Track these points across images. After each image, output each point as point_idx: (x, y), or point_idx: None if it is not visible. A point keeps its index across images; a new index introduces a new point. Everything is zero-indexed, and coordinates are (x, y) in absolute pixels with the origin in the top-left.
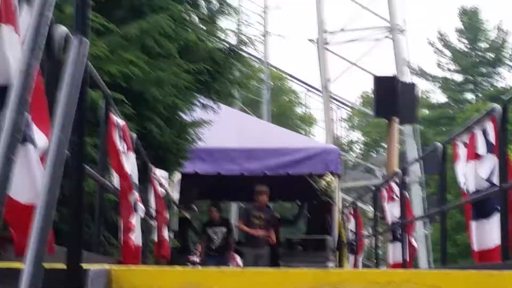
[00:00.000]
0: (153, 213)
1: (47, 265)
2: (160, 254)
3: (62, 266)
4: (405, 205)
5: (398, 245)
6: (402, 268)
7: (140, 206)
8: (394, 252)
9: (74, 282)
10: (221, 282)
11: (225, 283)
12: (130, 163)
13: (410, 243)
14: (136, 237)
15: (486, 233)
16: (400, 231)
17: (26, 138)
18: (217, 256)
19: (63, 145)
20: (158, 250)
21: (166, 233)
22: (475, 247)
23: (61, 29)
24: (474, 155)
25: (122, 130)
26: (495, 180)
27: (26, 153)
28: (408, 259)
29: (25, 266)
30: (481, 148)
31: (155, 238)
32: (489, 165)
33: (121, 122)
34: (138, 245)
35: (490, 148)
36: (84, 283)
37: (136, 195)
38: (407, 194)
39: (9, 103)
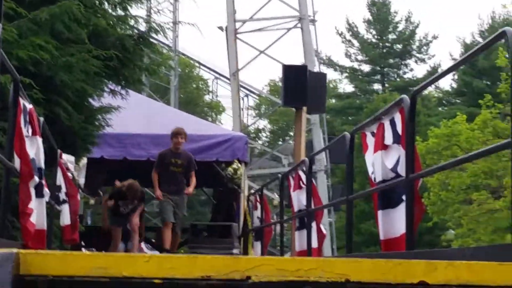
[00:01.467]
0: (63, 197)
1: None
2: (73, 237)
3: None
4: (313, 193)
5: (304, 232)
6: (307, 255)
7: (46, 190)
8: (300, 239)
9: None
10: (129, 267)
11: (133, 268)
12: (34, 147)
13: (319, 230)
14: (38, 221)
15: (392, 222)
16: (308, 218)
17: None
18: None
19: None
20: (71, 233)
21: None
22: (381, 235)
23: None
24: (381, 145)
25: (29, 114)
26: (400, 170)
27: None
28: (317, 246)
29: None
30: (388, 138)
31: (66, 222)
32: (395, 156)
33: (28, 106)
34: (42, 229)
35: (397, 138)
36: None
37: (37, 179)
38: (314, 181)
39: None
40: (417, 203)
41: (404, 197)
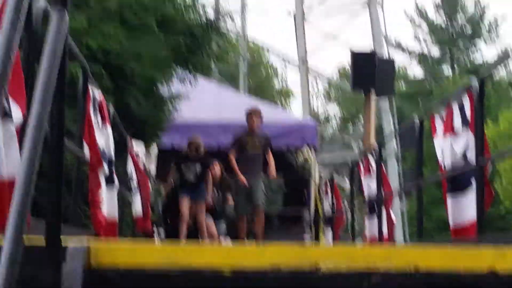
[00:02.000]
0: (134, 185)
1: (26, 242)
2: (145, 225)
3: (41, 241)
4: (382, 178)
5: (375, 219)
6: (378, 242)
7: (116, 179)
8: (371, 226)
9: (53, 257)
10: (199, 258)
11: (203, 259)
12: (104, 136)
13: (389, 216)
14: (109, 210)
15: (462, 208)
16: (377, 205)
17: (7, 113)
18: (191, 187)
19: (42, 119)
20: (143, 222)
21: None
22: (451, 222)
23: (40, 2)
24: (450, 129)
25: (99, 103)
26: (470, 155)
27: (7, 128)
28: (387, 233)
29: (5, 243)
30: (457, 123)
31: (137, 211)
32: (463, 140)
33: (98, 95)
34: (113, 218)
35: (465, 123)
36: (63, 257)
37: (106, 168)
38: (384, 168)
39: None
40: (487, 188)
41: (473, 181)
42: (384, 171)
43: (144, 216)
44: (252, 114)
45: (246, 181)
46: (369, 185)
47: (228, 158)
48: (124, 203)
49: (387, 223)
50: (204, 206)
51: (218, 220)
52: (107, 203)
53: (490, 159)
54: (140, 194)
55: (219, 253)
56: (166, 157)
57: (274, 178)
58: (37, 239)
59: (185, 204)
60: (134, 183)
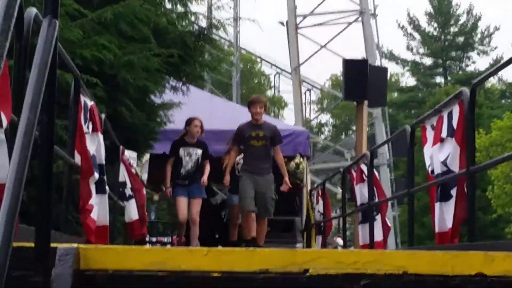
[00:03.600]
0: (129, 192)
1: (15, 244)
2: (141, 231)
3: (30, 245)
4: (376, 185)
5: (368, 226)
6: (370, 249)
7: (106, 186)
8: (363, 233)
9: (42, 261)
10: (187, 261)
11: (191, 262)
12: (94, 144)
13: (384, 222)
14: (99, 217)
15: (444, 216)
16: (370, 212)
17: None
18: (186, 185)
19: (32, 126)
20: (140, 228)
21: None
22: (437, 228)
23: (31, 11)
24: (439, 138)
25: (90, 111)
26: (450, 163)
27: None
28: (383, 238)
29: None
30: (444, 131)
31: (133, 217)
32: (447, 149)
33: (89, 102)
34: (104, 225)
35: (451, 132)
36: (52, 262)
37: (97, 176)
38: (377, 175)
39: None
40: (461, 201)
41: (453, 193)
42: (377, 177)
43: (141, 221)
44: (256, 102)
45: (252, 180)
46: (362, 192)
47: (222, 159)
48: (115, 210)
49: (383, 229)
50: (200, 204)
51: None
52: (98, 210)
53: (482, 166)
54: (136, 200)
55: (208, 255)
56: (158, 163)
57: (287, 184)
58: (27, 244)
59: (182, 207)
60: (129, 189)
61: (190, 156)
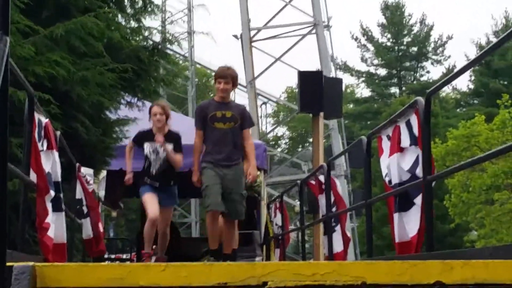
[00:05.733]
0: (84, 210)
1: None
2: (97, 248)
3: None
4: (335, 196)
5: (330, 237)
6: (329, 260)
7: (62, 203)
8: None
9: None
10: (145, 277)
11: (149, 278)
12: (50, 162)
13: (344, 233)
14: (56, 235)
15: (405, 225)
16: (328, 223)
17: None
18: (158, 186)
19: None
20: (95, 245)
21: (101, 228)
22: (397, 238)
23: None
24: (397, 148)
25: (45, 128)
26: (418, 171)
27: None
28: (343, 248)
29: None
30: (405, 140)
31: (89, 235)
32: (412, 157)
33: (44, 120)
34: (61, 243)
35: (414, 140)
36: (9, 281)
37: (53, 193)
38: (338, 185)
39: None
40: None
41: (416, 201)
42: (337, 189)
43: (96, 239)
44: (221, 77)
45: (218, 173)
46: (322, 203)
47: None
48: (73, 228)
49: (343, 239)
50: (171, 214)
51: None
52: (55, 228)
53: (438, 175)
54: (90, 218)
55: (166, 271)
56: (115, 178)
57: (253, 175)
58: None
59: (152, 202)
60: (85, 207)
61: (157, 154)
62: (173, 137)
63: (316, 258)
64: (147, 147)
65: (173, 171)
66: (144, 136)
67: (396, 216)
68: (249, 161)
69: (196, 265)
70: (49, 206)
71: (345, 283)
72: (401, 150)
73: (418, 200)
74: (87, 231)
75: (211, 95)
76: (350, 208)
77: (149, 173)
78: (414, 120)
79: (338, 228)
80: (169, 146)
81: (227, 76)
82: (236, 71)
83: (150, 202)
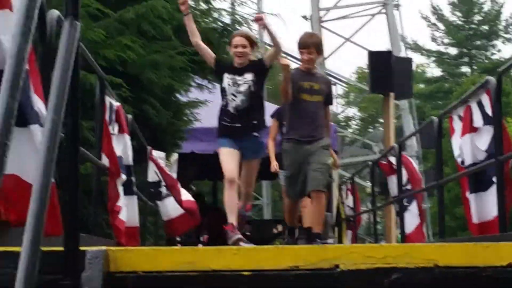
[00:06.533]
0: (163, 191)
1: (44, 248)
2: (190, 224)
3: (60, 248)
4: (411, 174)
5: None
6: (403, 239)
7: (134, 186)
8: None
9: (71, 264)
10: (217, 260)
11: (221, 261)
12: (121, 145)
13: (420, 211)
14: (129, 218)
15: (484, 206)
16: (400, 203)
17: (29, 121)
18: (237, 133)
19: (56, 127)
20: (189, 220)
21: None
22: (475, 219)
23: (53, 13)
24: (470, 128)
25: (116, 112)
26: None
27: (31, 134)
28: (419, 222)
29: (23, 249)
30: (478, 120)
31: (173, 214)
32: (488, 137)
33: (115, 104)
34: (134, 226)
35: (487, 120)
36: (82, 265)
37: (124, 177)
38: (414, 164)
39: (2, 88)
40: (508, 186)
41: (494, 180)
42: (414, 167)
43: (189, 213)
44: (303, 46)
45: (302, 147)
46: (393, 185)
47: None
48: (145, 212)
49: (419, 216)
50: (257, 170)
51: None
52: (127, 211)
53: (510, 156)
54: (174, 196)
55: (238, 254)
56: (186, 161)
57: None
58: (57, 248)
59: (229, 158)
60: (163, 188)
61: (238, 86)
62: (256, 67)
63: (388, 240)
64: (226, 78)
65: (260, 110)
66: (227, 66)
67: (472, 196)
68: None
69: (268, 248)
70: (120, 189)
71: (417, 266)
72: (475, 130)
73: (495, 179)
74: (167, 212)
75: (280, 76)
76: (422, 189)
77: (227, 113)
78: (486, 100)
79: (412, 207)
80: (249, 76)
81: (309, 45)
82: (320, 36)
83: (227, 158)
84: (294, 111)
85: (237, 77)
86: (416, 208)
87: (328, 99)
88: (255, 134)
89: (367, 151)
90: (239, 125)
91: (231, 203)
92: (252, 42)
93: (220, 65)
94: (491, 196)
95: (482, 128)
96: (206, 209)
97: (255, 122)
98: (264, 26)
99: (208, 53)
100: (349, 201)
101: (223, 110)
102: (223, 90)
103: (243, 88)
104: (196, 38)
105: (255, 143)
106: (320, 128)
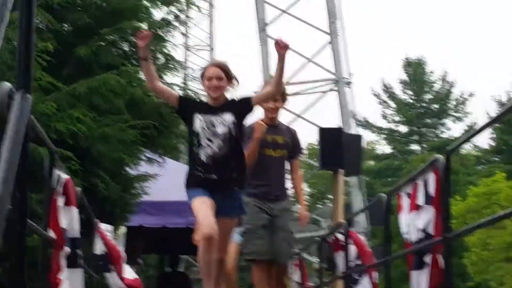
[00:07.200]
0: (109, 264)
1: None
2: None
3: None
4: (359, 249)
5: None
6: None
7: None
8: None
9: None
10: None
11: None
12: (67, 218)
13: (374, 285)
14: None
15: (421, 283)
16: (347, 281)
17: None
18: (215, 184)
19: (5, 201)
20: None
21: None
22: None
23: (4, 85)
24: (415, 206)
25: (64, 185)
26: (431, 231)
27: None
28: None
29: None
30: (421, 199)
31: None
32: (426, 216)
33: (64, 177)
34: None
35: (428, 199)
36: None
37: (68, 250)
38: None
39: None
40: (434, 267)
41: (426, 260)
42: (362, 242)
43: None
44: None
45: (266, 203)
46: (340, 261)
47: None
48: (92, 285)
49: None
50: (233, 229)
51: None
52: (70, 284)
53: (458, 233)
54: (116, 269)
55: None
56: (134, 236)
57: (305, 216)
58: None
59: (205, 210)
60: (108, 261)
61: (215, 128)
62: (234, 107)
63: None
64: (198, 120)
65: (240, 159)
66: (196, 104)
67: (413, 274)
68: (300, 200)
69: None
70: (63, 262)
71: None
72: (417, 208)
73: (428, 259)
74: (116, 283)
75: None
76: (372, 265)
77: (200, 161)
78: (432, 178)
79: (364, 281)
80: (228, 118)
81: (280, 94)
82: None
83: (203, 208)
84: (256, 167)
85: (213, 118)
86: (369, 282)
87: (294, 152)
88: (236, 189)
89: (315, 227)
90: (215, 177)
91: (209, 269)
92: (228, 75)
93: (187, 104)
94: (423, 275)
95: (423, 207)
96: None
97: (235, 175)
98: (283, 57)
99: (170, 93)
100: (296, 276)
101: (194, 159)
102: (193, 134)
103: (220, 130)
104: (156, 81)
105: (233, 199)
106: (283, 187)
